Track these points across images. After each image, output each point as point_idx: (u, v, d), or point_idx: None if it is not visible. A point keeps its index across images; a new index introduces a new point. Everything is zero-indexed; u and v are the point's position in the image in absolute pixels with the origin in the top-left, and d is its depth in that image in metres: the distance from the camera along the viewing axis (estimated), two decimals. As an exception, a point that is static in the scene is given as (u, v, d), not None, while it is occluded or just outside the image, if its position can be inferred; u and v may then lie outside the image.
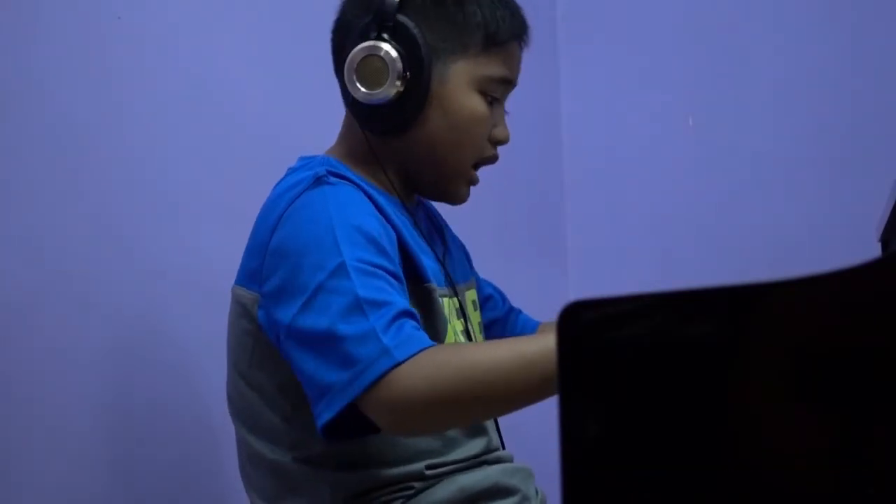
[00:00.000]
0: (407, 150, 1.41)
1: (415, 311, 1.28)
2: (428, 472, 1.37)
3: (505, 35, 1.41)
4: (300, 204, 1.33)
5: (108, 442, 1.61)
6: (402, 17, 1.35)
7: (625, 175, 2.55)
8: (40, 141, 1.54)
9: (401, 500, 1.36)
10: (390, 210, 1.38)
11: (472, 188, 1.48)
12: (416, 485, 1.37)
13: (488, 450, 1.44)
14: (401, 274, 1.32)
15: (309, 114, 1.74)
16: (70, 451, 1.55)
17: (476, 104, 1.41)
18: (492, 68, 1.41)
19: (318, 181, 1.34)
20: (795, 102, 2.37)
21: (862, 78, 2.31)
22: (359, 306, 1.24)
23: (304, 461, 1.35)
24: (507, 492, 1.41)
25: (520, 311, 1.66)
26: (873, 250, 1.58)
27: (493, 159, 1.46)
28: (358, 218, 1.30)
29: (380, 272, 1.28)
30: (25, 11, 1.53)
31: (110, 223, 1.62)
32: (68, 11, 1.59)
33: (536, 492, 1.46)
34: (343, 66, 1.37)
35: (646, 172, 2.52)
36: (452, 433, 1.40)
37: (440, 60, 1.38)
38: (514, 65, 1.44)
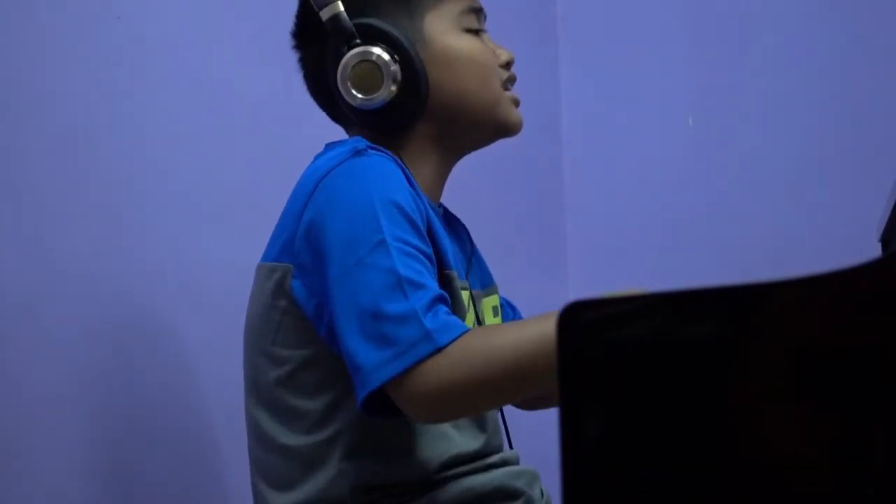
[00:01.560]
0: (439, 124, 1.42)
1: (448, 297, 1.29)
2: (436, 476, 1.37)
3: None
4: (338, 173, 1.32)
5: (108, 442, 1.61)
6: (356, 20, 1.37)
7: (625, 175, 2.55)
8: (40, 141, 1.54)
9: (406, 501, 1.35)
10: (420, 195, 1.37)
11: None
12: (422, 486, 1.36)
13: (489, 449, 1.44)
14: (432, 256, 1.32)
15: (310, 114, 1.74)
16: (70, 451, 1.55)
17: (467, 41, 1.43)
18: (454, 7, 1.43)
19: (358, 153, 1.34)
20: (795, 103, 2.37)
21: (862, 77, 2.31)
22: (399, 285, 1.24)
23: (316, 445, 1.34)
24: (511, 494, 1.41)
25: None
26: (873, 250, 1.58)
27: (512, 80, 1.47)
28: (396, 193, 1.30)
29: (417, 253, 1.28)
30: (25, 11, 1.54)
31: (110, 223, 1.62)
32: (68, 11, 1.59)
33: (542, 493, 1.46)
34: (329, 98, 1.40)
35: (646, 172, 2.52)
36: (465, 422, 1.40)
37: (410, 30, 1.39)
38: None
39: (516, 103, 1.47)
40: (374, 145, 1.37)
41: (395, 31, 1.37)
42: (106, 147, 1.62)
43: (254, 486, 1.41)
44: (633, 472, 0.77)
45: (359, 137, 1.41)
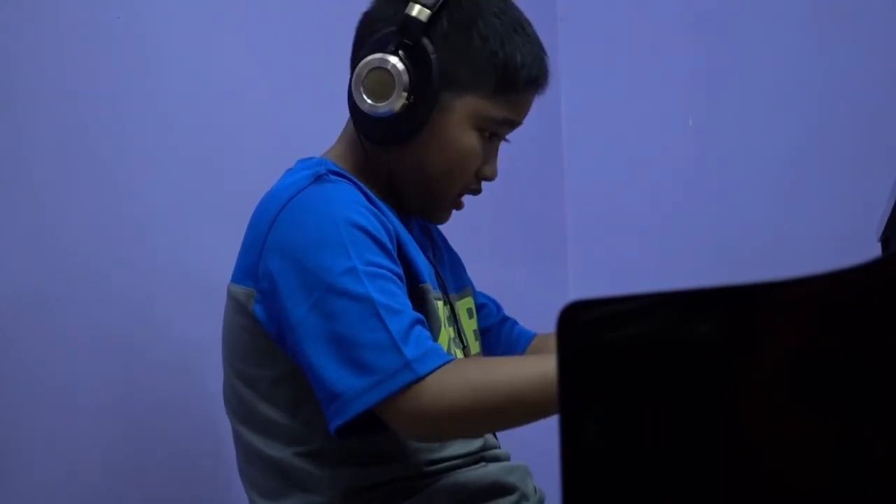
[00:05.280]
0: (397, 164, 1.42)
1: (423, 317, 1.29)
2: (427, 469, 1.37)
3: (520, 83, 1.40)
4: (301, 200, 1.32)
5: (109, 442, 1.61)
6: (424, 40, 1.34)
7: (625, 175, 2.55)
8: (40, 140, 1.54)
9: (400, 498, 1.36)
10: (386, 212, 1.38)
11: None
12: (416, 483, 1.37)
13: (486, 447, 1.44)
14: (402, 274, 1.32)
15: (309, 114, 1.74)
16: (70, 451, 1.55)
17: (469, 142, 1.40)
18: (497, 111, 1.40)
19: (319, 179, 1.34)
20: (795, 102, 2.37)
21: (862, 78, 2.31)
22: (375, 312, 1.24)
23: (302, 456, 1.35)
24: (506, 490, 1.42)
25: (515, 322, 1.66)
26: (873, 250, 1.58)
27: (475, 192, 1.46)
28: (361, 216, 1.30)
29: (388, 274, 1.28)
30: (26, 11, 1.54)
31: (110, 223, 1.62)
32: (69, 11, 1.59)
33: (535, 490, 1.46)
34: (354, 66, 1.38)
35: (646, 173, 2.52)
36: None
37: (449, 90, 1.37)
38: (522, 110, 1.43)
39: (456, 208, 1.46)
40: (335, 169, 1.37)
41: (436, 77, 1.34)
42: (105, 147, 1.62)
43: (246, 493, 1.42)
44: (632, 472, 0.77)
45: (323, 160, 1.41)
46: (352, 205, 1.32)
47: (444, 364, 1.24)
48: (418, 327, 1.26)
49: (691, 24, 2.48)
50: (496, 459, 1.45)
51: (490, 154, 1.44)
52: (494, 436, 1.49)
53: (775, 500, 0.78)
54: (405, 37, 1.35)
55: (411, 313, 1.27)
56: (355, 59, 1.39)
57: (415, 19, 1.34)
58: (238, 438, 1.41)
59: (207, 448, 1.71)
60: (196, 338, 1.69)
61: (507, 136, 1.46)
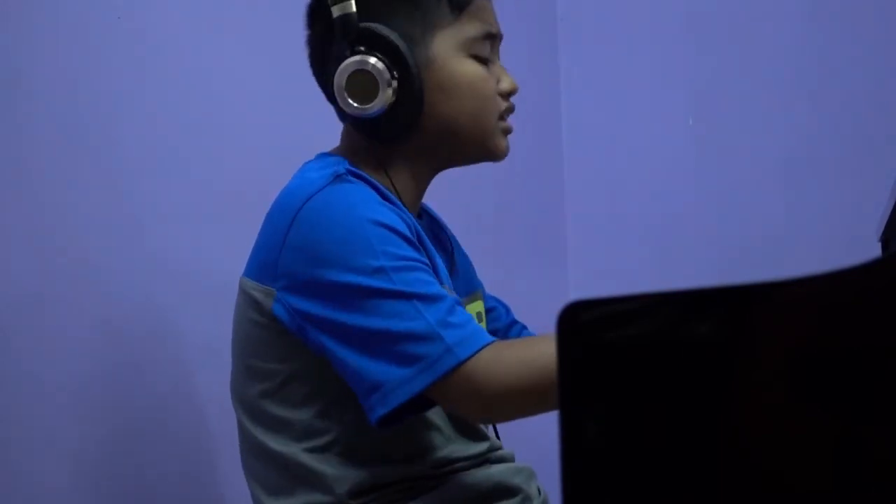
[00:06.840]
0: (428, 141, 1.41)
1: (459, 299, 1.30)
2: (433, 470, 1.38)
3: None
4: (322, 199, 1.32)
5: (109, 442, 1.61)
6: (364, 24, 1.35)
7: (625, 175, 2.55)
8: (40, 141, 1.54)
9: (405, 498, 1.36)
10: (405, 212, 1.38)
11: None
12: (421, 483, 1.37)
13: (491, 449, 1.44)
14: (430, 264, 1.33)
15: (310, 113, 1.74)
16: (71, 449, 1.55)
17: (470, 68, 1.41)
18: (469, 30, 1.41)
19: (339, 178, 1.34)
20: (795, 102, 2.37)
21: (862, 78, 2.31)
22: (410, 304, 1.25)
23: (308, 454, 1.35)
24: (509, 491, 1.42)
25: (524, 326, 1.66)
26: (873, 250, 1.58)
27: (510, 110, 1.46)
28: (382, 215, 1.30)
29: (417, 265, 1.29)
30: (26, 11, 1.54)
31: (111, 223, 1.62)
32: (68, 11, 1.59)
33: (539, 491, 1.46)
34: (326, 84, 1.39)
35: (646, 172, 2.52)
36: (455, 434, 1.40)
37: (418, 45, 1.38)
38: (488, 17, 1.44)
39: (507, 132, 1.46)
40: (354, 169, 1.37)
41: (401, 45, 1.35)
42: (106, 147, 1.62)
43: (250, 489, 1.42)
44: (632, 472, 0.77)
45: (340, 158, 1.41)
46: (372, 203, 1.32)
47: (485, 346, 1.25)
48: (457, 310, 1.27)
49: (691, 24, 2.48)
50: (501, 461, 1.45)
51: (499, 72, 1.44)
52: (497, 437, 1.49)
53: (775, 500, 0.78)
54: (349, 33, 1.35)
55: (447, 298, 1.28)
56: (329, 91, 1.39)
57: (345, 15, 1.35)
58: (244, 433, 1.41)
59: (207, 448, 1.71)
60: (196, 337, 1.69)
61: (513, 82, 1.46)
